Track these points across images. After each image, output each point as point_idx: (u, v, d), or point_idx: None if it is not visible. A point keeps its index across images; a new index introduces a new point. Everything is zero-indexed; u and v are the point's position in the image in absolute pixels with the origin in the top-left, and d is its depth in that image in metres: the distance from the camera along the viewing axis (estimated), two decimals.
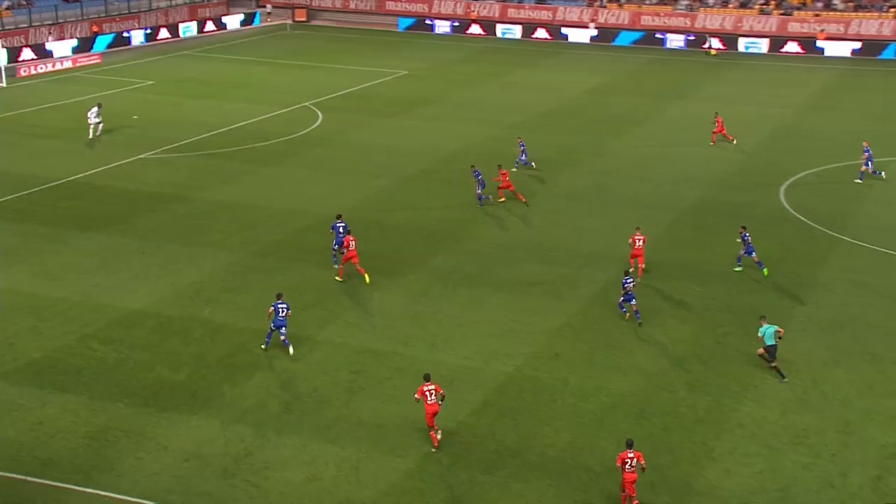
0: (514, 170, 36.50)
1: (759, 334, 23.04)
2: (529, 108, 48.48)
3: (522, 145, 37.25)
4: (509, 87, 54.28)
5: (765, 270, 27.66)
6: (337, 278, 27.11)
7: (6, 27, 62.08)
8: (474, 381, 22.30)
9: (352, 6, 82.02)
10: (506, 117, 46.38)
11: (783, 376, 22.62)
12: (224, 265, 28.37)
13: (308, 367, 23.04)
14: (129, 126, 44.68)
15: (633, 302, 24.83)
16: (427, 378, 20.14)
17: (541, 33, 73.01)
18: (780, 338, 22.84)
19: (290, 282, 27.22)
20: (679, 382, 22.37)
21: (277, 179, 36.82)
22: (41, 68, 56.90)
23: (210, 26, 75.27)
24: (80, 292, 26.62)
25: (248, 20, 79.24)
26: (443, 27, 76.54)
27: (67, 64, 58.70)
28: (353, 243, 26.89)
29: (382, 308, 25.75)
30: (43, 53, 60.79)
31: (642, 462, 17.92)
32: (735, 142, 40.49)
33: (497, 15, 77.83)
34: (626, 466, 17.87)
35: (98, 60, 60.73)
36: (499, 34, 75.00)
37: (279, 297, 23.70)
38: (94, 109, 45.92)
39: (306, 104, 49.37)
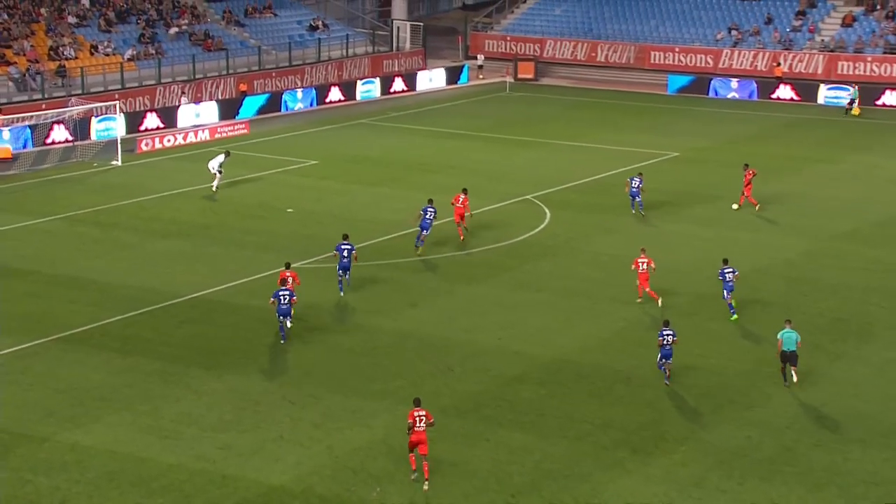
0: None
1: (779, 337, 31.21)
2: (877, 209, 47.88)
3: None
4: (838, 180, 53.40)
5: (734, 316, 35.64)
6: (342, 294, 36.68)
7: (127, 84, 67.39)
8: None
9: (600, 58, 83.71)
10: (837, 224, 46.20)
11: (786, 381, 31.08)
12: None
13: None
14: (283, 221, 46.56)
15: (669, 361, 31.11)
16: (417, 403, 26.24)
17: (890, 97, 71.22)
18: (797, 348, 30.95)
19: (493, 454, 27.10)
20: None
21: (481, 303, 37.34)
22: (169, 140, 60.94)
23: (399, 85, 78.96)
24: (203, 457, 27.20)
25: (451, 77, 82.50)
26: (730, 90, 76.29)
27: (204, 135, 62.60)
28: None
29: None
30: (172, 120, 65.28)
31: None
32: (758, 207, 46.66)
33: (819, 71, 76.86)
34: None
35: (245, 130, 64.53)
36: (821, 100, 73.97)
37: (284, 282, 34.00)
38: (220, 158, 48.85)
39: (528, 197, 50.30)
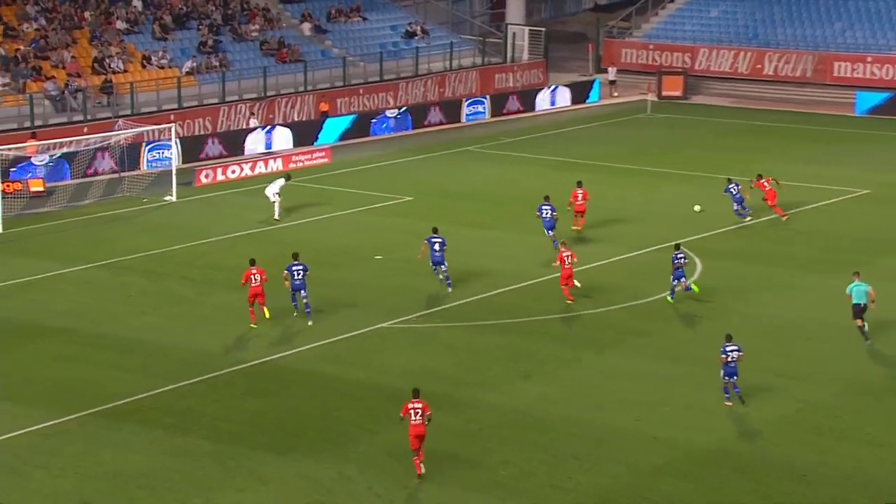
0: None
1: (847, 291, 37.78)
2: None
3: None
4: None
5: (694, 287, 42.99)
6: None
7: (185, 103, 68.54)
8: None
9: (767, 71, 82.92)
10: None
11: (867, 338, 37.67)
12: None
13: None
14: (368, 270, 46.98)
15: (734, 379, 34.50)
16: (416, 394, 30.09)
17: None
18: (872, 301, 37.44)
19: None
20: None
21: (612, 375, 37.23)
22: (234, 172, 61.81)
23: (513, 104, 79.38)
24: None
25: (578, 95, 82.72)
26: None
27: (276, 165, 63.30)
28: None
29: None
30: (237, 147, 66.21)
31: None
32: (786, 218, 52.37)
33: None
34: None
35: (325, 159, 65.18)
36: None
37: (295, 256, 41.18)
38: (280, 182, 51.12)
39: (672, 243, 50.02)
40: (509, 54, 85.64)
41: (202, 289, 45.11)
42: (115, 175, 60.46)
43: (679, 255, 42.48)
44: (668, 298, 42.98)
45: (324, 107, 71.86)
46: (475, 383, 36.61)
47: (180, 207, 56.31)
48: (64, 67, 66.86)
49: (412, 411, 29.96)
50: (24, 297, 44.26)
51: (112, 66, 68.32)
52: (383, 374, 37.20)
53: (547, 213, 48.13)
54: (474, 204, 56.63)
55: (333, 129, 70.30)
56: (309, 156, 65.06)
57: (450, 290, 43.95)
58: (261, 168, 62.73)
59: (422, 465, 30.33)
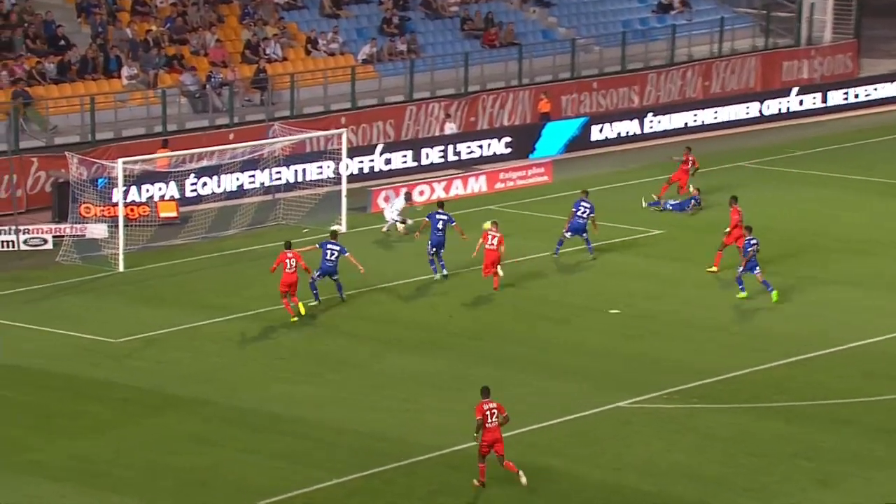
0: None
1: None
2: None
3: None
4: None
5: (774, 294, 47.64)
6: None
7: (360, 101, 68.81)
8: None
9: None
10: None
11: None
12: None
13: None
14: (598, 329, 46.95)
15: None
16: (487, 393, 33.79)
17: None
18: None
19: None
20: None
21: None
22: (422, 193, 61.86)
23: (809, 101, 78.08)
24: None
25: None
26: None
27: (478, 185, 63.66)
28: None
29: None
30: (426, 159, 66.37)
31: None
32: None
33: None
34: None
35: (544, 177, 65.17)
36: None
37: (333, 235, 48.29)
38: (399, 203, 54.87)
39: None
40: (804, 34, 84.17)
41: (373, 349, 45.33)
42: (268, 197, 61.13)
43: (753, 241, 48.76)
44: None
45: (544, 106, 71.68)
46: (750, 489, 36.03)
47: (351, 240, 55.83)
48: (206, 54, 67.87)
49: (489, 412, 33.48)
50: (147, 357, 44.79)
51: (267, 52, 69.05)
52: (622, 472, 36.78)
53: (583, 211, 52.74)
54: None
55: (556, 135, 70.21)
56: (523, 172, 65.21)
57: (444, 274, 51.35)
58: (458, 189, 62.94)
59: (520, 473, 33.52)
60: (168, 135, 62.94)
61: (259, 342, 46.17)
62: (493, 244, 49.12)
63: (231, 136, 62.88)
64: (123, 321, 47.87)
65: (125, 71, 65.32)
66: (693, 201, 60.17)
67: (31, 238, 55.26)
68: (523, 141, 69.23)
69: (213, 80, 66.31)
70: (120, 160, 54.60)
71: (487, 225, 50.16)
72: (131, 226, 55.28)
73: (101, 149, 59.78)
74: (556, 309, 48.91)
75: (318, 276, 47.72)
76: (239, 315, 48.35)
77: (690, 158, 60.86)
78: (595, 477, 36.52)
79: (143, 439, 38.63)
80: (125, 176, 55.27)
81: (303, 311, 46.58)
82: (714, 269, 51.72)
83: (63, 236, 54.87)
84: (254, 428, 39.43)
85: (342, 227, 57.50)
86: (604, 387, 41.95)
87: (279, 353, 45.22)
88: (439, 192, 62.06)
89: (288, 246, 46.42)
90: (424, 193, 61.80)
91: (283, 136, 61.31)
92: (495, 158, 67.85)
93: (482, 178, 64.07)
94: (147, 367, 44.05)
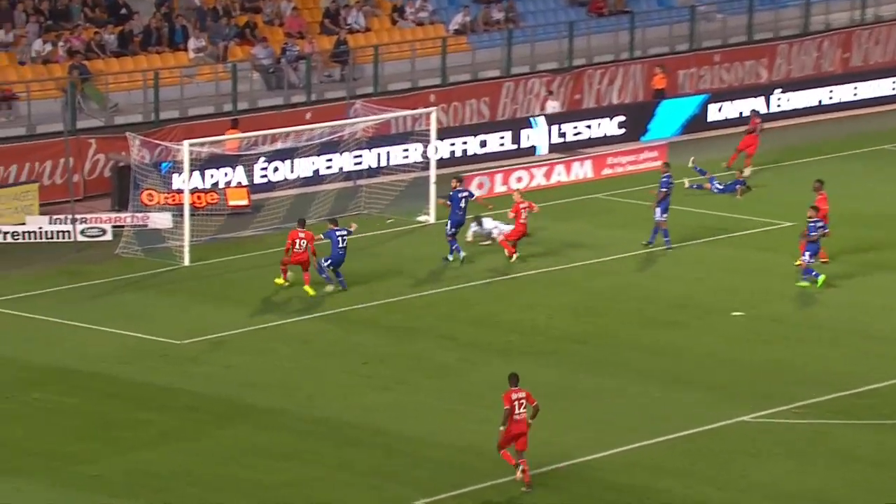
0: None
1: None
2: None
3: None
4: None
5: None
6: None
7: (451, 77, 68.90)
8: None
9: None
10: None
11: None
12: None
13: None
14: (717, 333, 46.73)
15: None
16: (515, 381, 34.91)
17: None
18: None
19: None
20: None
21: None
22: (520, 180, 61.76)
23: None
24: None
25: None
26: None
27: (584, 170, 63.59)
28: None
29: None
30: (526, 141, 66.31)
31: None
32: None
33: None
34: None
35: (658, 162, 63.94)
36: None
37: (335, 222, 49.63)
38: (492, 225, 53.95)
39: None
40: None
41: (466, 354, 45.13)
42: (348, 184, 60.98)
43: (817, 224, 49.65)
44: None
45: (659, 82, 71.52)
46: None
47: (439, 232, 55.80)
48: (281, 24, 67.95)
49: (517, 402, 34.68)
50: (215, 362, 44.74)
51: (349, 21, 68.99)
52: (747, 494, 36.53)
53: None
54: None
55: (671, 115, 70.02)
56: (634, 157, 65.05)
57: (459, 256, 52.42)
58: (560, 175, 62.91)
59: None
60: (238, 114, 63.08)
61: (339, 345, 46.05)
62: (525, 220, 51.21)
63: (308, 116, 63.03)
64: (188, 321, 47.95)
65: (192, 43, 65.41)
66: (739, 185, 60.88)
67: (88, 228, 55.27)
68: (635, 121, 69.09)
69: (288, 53, 66.34)
70: (186, 142, 54.42)
71: (517, 196, 52.10)
72: (198, 215, 55.15)
73: (165, 129, 60.09)
74: (669, 310, 48.72)
75: (328, 264, 49.23)
76: (316, 315, 48.28)
77: (759, 122, 62.68)
78: (716, 499, 36.27)
79: (211, 452, 38.43)
80: (192, 159, 54.93)
81: (311, 293, 48.97)
82: (825, 259, 51.34)
83: (123, 226, 54.98)
84: (334, 440, 39.15)
85: (430, 218, 57.94)
86: (727, 400, 41.49)
87: (364, 356, 44.99)
88: (539, 180, 62.09)
89: (301, 224, 48.76)
90: (522, 180, 61.62)
91: (366, 115, 61.32)
92: (603, 141, 67.80)
93: (587, 164, 64.03)
94: (214, 371, 44.03)
